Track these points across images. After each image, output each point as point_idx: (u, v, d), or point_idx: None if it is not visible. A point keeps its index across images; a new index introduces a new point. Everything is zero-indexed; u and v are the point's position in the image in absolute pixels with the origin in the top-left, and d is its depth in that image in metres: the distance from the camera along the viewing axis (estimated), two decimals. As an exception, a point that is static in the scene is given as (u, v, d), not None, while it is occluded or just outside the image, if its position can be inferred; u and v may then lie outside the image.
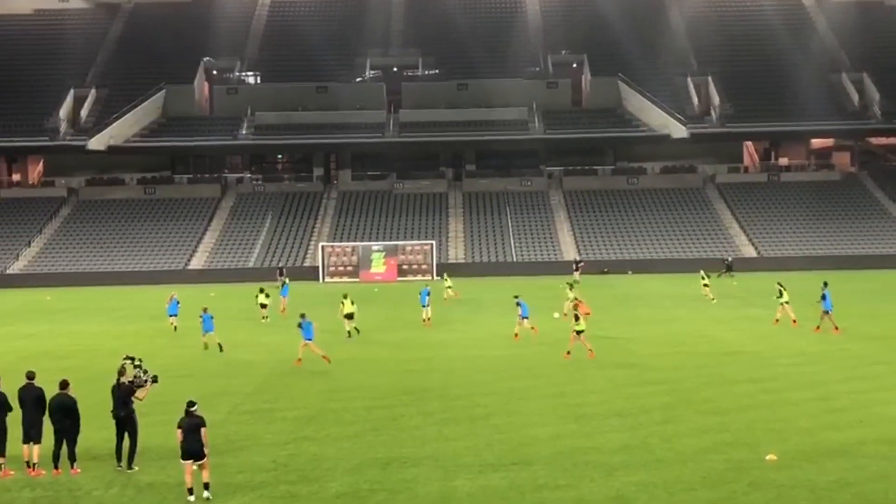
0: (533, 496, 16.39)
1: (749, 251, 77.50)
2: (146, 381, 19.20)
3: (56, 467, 18.19)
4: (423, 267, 73.31)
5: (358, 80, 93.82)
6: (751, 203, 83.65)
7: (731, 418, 21.73)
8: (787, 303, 37.94)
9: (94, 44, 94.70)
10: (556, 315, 41.34)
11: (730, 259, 71.49)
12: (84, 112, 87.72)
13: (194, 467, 16.57)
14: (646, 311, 46.46)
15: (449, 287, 53.42)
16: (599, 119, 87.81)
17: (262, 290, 45.07)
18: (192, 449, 16.55)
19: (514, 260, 77.07)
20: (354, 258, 74.43)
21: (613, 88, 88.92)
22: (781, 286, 38.56)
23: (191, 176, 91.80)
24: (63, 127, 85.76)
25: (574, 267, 67.36)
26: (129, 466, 18.35)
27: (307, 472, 18.04)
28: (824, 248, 77.01)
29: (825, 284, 37.64)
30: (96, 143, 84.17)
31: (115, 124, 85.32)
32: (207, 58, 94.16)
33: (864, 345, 33.24)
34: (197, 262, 77.85)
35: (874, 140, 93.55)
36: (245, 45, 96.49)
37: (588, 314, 36.97)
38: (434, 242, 75.76)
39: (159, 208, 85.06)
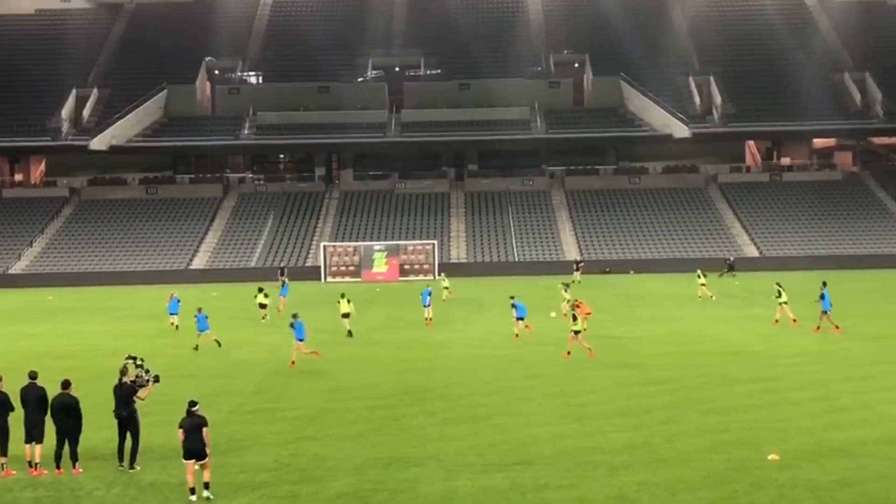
0: (535, 496, 16.38)
1: (751, 251, 77.48)
2: (148, 380, 19.21)
3: (58, 467, 18.20)
4: (425, 267, 73.32)
5: (360, 79, 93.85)
6: (753, 203, 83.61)
7: (732, 418, 21.72)
8: (785, 303, 37.97)
9: (96, 44, 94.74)
10: (553, 314, 41.34)
11: (732, 259, 71.46)
12: (86, 112, 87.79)
13: (196, 467, 16.57)
14: (647, 310, 46.45)
15: (446, 287, 53.46)
16: (601, 119, 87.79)
17: (260, 290, 45.11)
18: (194, 448, 16.56)
19: (516, 260, 77.07)
20: (356, 258, 74.46)
21: (615, 88, 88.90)
22: (780, 286, 38.60)
23: (193, 176, 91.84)
24: (65, 127, 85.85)
25: (574, 267, 67.36)
26: (131, 466, 18.36)
27: (309, 472, 18.04)
28: (826, 247, 76.98)
29: (824, 284, 37.70)
30: (98, 142, 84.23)
31: (117, 124, 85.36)
32: (209, 58, 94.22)
33: (866, 344, 33.22)
34: (199, 262, 77.90)
35: (876, 140, 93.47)
36: (247, 44, 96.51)
37: (589, 314, 36.90)
38: (436, 242, 75.75)
39: (161, 208, 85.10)
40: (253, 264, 76.57)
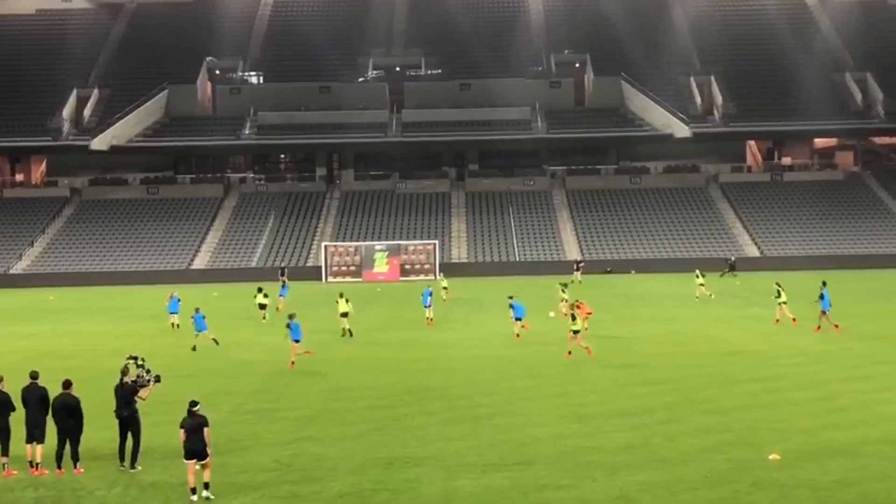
0: (535, 496, 16.39)
1: (752, 251, 77.46)
2: (149, 380, 19.24)
3: (59, 467, 18.22)
4: (426, 267, 73.32)
5: (361, 79, 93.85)
6: (754, 203, 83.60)
7: (733, 418, 21.73)
8: (784, 303, 38.02)
9: (97, 44, 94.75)
10: (552, 314, 41.35)
11: (733, 259, 71.41)
12: (87, 112, 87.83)
13: (197, 467, 16.59)
14: (648, 310, 46.45)
15: (445, 287, 53.50)
16: (602, 119, 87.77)
17: (260, 290, 45.17)
18: (195, 448, 16.57)
19: (517, 260, 77.06)
20: (357, 258, 74.47)
21: (616, 88, 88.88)
22: (779, 286, 38.67)
23: (194, 176, 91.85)
24: (66, 127, 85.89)
25: (575, 267, 67.36)
26: (133, 466, 18.38)
27: (309, 472, 18.05)
28: (827, 247, 76.95)
29: (824, 284, 37.74)
30: (99, 143, 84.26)
31: (117, 124, 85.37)
32: (210, 58, 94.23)
33: (867, 344, 33.23)
34: (200, 262, 77.92)
35: (877, 140, 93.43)
36: (248, 44, 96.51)
37: (590, 314, 36.97)
38: (437, 242, 75.74)
39: (162, 208, 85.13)
40: (254, 264, 76.58)
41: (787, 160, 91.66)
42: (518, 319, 36.24)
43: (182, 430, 16.75)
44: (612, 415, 22.38)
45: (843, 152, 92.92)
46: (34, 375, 18.72)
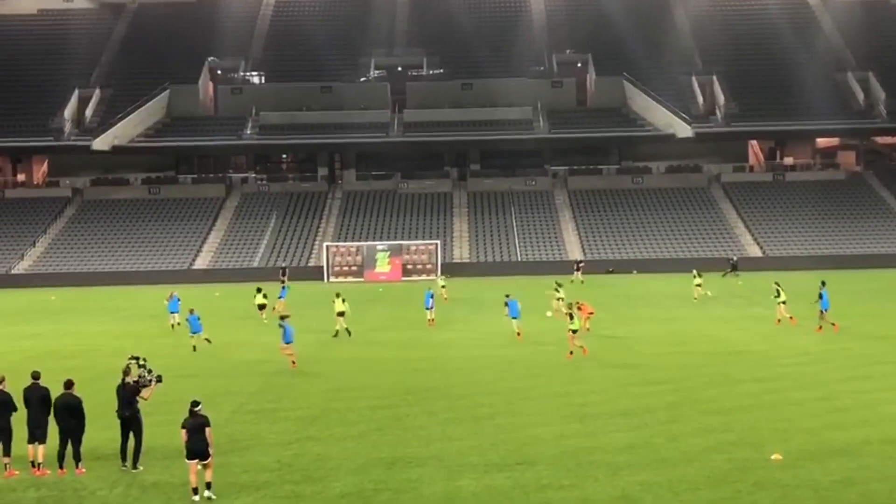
0: (537, 496, 16.39)
1: (754, 251, 77.40)
2: (150, 380, 19.25)
3: (61, 467, 18.23)
4: (428, 267, 73.30)
5: (362, 79, 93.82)
6: (756, 202, 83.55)
7: (735, 418, 21.72)
8: (783, 302, 38.05)
9: (99, 44, 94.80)
10: (549, 314, 41.32)
11: (735, 258, 71.37)
12: (88, 112, 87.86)
13: (199, 467, 16.60)
14: (649, 310, 46.42)
15: (443, 287, 53.53)
16: (604, 118, 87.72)
17: (259, 290, 45.19)
18: (197, 448, 16.58)
19: (519, 259, 77.04)
20: (359, 258, 74.46)
21: (618, 88, 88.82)
22: (779, 286, 38.74)
23: (195, 176, 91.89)
24: (67, 127, 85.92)
25: (575, 267, 67.34)
26: (134, 466, 18.40)
27: (311, 472, 18.06)
28: (829, 247, 76.91)
29: (823, 284, 37.77)
30: (101, 143, 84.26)
31: (119, 124, 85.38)
32: (212, 58, 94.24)
33: (868, 344, 33.22)
34: (201, 262, 77.93)
35: (879, 139, 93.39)
36: (249, 44, 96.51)
37: (592, 314, 37.00)
38: (439, 242, 75.73)
39: (164, 208, 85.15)
40: (256, 264, 76.57)
41: (789, 160, 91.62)
42: (514, 318, 36.26)
43: (184, 430, 16.77)
44: (614, 415, 22.38)
45: (846, 152, 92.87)
46: (36, 375, 18.74)
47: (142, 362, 19.69)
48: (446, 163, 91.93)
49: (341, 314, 37.77)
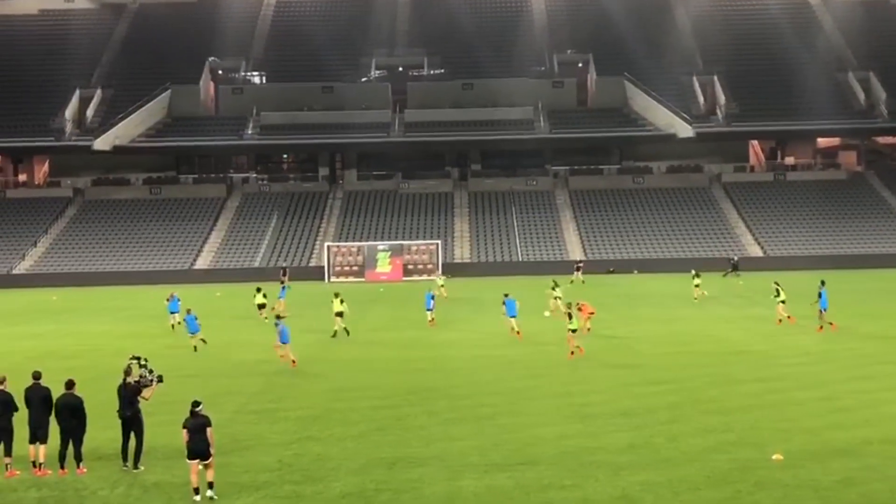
0: (539, 496, 16.39)
1: (755, 250, 77.39)
2: (152, 380, 19.26)
3: (62, 467, 18.24)
4: (429, 267, 73.29)
5: (363, 79, 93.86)
6: (757, 202, 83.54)
7: (736, 418, 21.72)
8: (782, 302, 38.08)
9: (100, 44, 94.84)
10: (547, 314, 41.33)
11: (735, 258, 71.38)
12: (89, 112, 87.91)
13: (200, 467, 16.60)
14: (650, 310, 46.40)
15: (442, 286, 53.49)
16: (605, 118, 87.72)
17: (258, 290, 45.20)
18: (198, 448, 16.59)
19: (520, 259, 77.02)
20: (360, 258, 74.46)
21: (619, 88, 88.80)
22: (778, 285, 38.77)
23: (196, 176, 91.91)
24: (69, 127, 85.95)
25: (575, 267, 67.32)
26: (135, 466, 18.40)
27: (312, 472, 18.06)
28: (830, 247, 76.88)
29: (822, 283, 37.79)
30: (102, 143, 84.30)
31: (120, 124, 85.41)
32: (213, 58, 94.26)
33: (870, 344, 33.21)
34: (202, 262, 77.95)
35: (880, 139, 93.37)
36: (250, 44, 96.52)
37: (592, 313, 36.99)
38: (439, 242, 75.74)
39: (165, 208, 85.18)
40: (257, 264, 76.58)
41: (790, 160, 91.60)
42: (512, 317, 36.28)
43: (185, 431, 16.77)
44: (615, 415, 22.38)
45: (847, 152, 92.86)
46: (37, 376, 18.75)
47: (143, 362, 19.70)
48: (447, 163, 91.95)
49: (340, 314, 37.77)
